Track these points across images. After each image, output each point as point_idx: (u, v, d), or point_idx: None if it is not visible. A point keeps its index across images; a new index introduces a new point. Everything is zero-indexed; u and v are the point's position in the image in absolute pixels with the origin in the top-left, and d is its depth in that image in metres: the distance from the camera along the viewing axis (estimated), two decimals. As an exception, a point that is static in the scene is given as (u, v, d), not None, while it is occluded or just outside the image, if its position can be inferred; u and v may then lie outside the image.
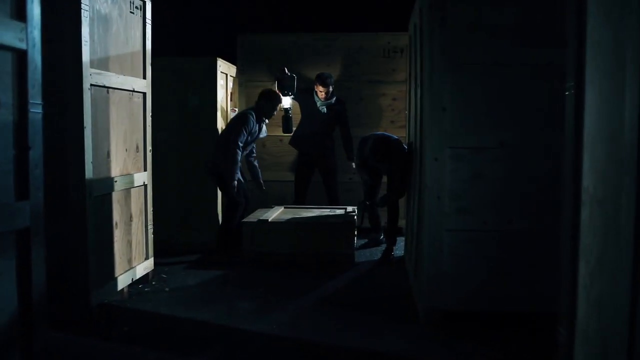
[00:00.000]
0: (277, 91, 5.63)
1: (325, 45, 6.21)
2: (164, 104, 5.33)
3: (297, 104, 5.88)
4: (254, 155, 5.59)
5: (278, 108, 5.29)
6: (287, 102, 5.70)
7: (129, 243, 4.00)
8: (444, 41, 3.29)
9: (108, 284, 3.66)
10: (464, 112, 3.30)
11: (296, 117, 5.88)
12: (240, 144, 4.97)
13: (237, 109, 6.06)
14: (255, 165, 5.61)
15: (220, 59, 5.44)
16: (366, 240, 5.67)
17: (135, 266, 4.06)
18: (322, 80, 5.58)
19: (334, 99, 5.70)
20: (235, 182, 4.96)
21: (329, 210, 5.54)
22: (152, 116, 4.29)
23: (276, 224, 5.04)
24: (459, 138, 3.31)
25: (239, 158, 5.00)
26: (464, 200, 3.33)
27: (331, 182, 5.84)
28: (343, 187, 6.18)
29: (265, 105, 5.20)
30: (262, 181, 5.62)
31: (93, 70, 3.40)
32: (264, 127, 5.30)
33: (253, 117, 5.09)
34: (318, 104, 5.67)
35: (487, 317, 3.41)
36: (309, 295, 4.02)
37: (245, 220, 5.01)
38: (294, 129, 5.85)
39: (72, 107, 3.30)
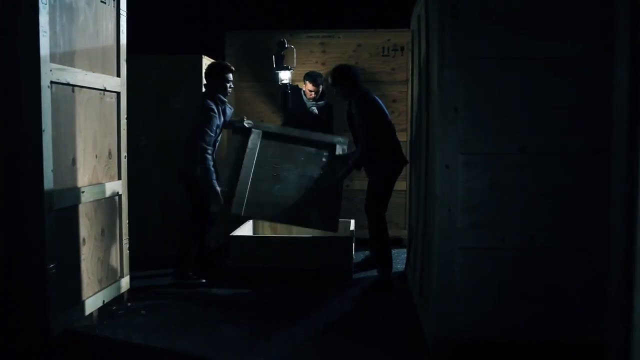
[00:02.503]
0: (274, 66, 5.17)
1: (320, 43, 5.80)
2: (144, 106, 4.94)
3: (297, 73, 5.46)
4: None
5: (231, 78, 4.45)
6: (285, 76, 5.23)
7: (100, 261, 3.56)
8: (456, 32, 2.87)
9: (73, 308, 3.22)
10: (479, 113, 2.89)
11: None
12: (209, 147, 4.26)
13: (232, 109, 5.62)
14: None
15: (205, 57, 5.01)
16: (364, 256, 5.20)
17: (107, 286, 3.62)
18: (312, 78, 5.14)
19: (325, 99, 5.27)
20: (218, 188, 4.31)
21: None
22: (130, 119, 3.86)
23: (267, 238, 4.64)
24: (473, 143, 2.89)
25: (211, 161, 4.27)
26: (478, 213, 2.91)
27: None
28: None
29: (217, 83, 4.40)
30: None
31: (54, 66, 2.97)
32: (228, 107, 4.55)
33: (214, 106, 4.32)
34: (307, 104, 5.23)
35: (506, 348, 2.99)
36: (303, 320, 3.58)
37: (233, 233, 4.58)
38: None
39: (28, 108, 2.86)
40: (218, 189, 4.29)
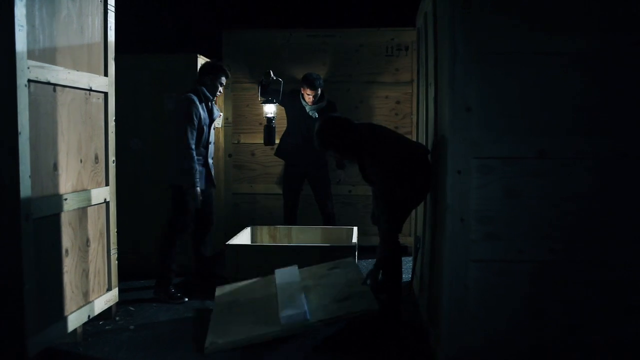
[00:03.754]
0: (259, 97, 4.94)
1: (321, 43, 5.57)
2: (136, 108, 4.72)
3: (282, 109, 5.21)
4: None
5: (223, 82, 4.25)
6: (270, 109, 5.01)
7: (85, 273, 3.32)
8: (468, 26, 2.63)
9: (55, 325, 2.97)
10: (494, 113, 2.65)
11: (281, 123, 5.21)
12: (191, 142, 4.00)
13: (221, 114, 5.40)
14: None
15: (201, 56, 4.78)
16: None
17: (93, 300, 3.38)
18: (310, 82, 4.87)
19: (325, 101, 5.03)
20: (198, 188, 4.02)
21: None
22: (121, 121, 3.64)
23: (266, 247, 4.39)
24: (488, 146, 2.65)
25: (194, 158, 4.01)
26: (494, 223, 2.66)
27: (325, 196, 5.14)
28: (339, 200, 5.53)
29: (209, 82, 4.15)
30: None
31: (33, 63, 2.74)
32: (215, 107, 4.30)
33: (196, 100, 4.05)
34: (307, 108, 4.98)
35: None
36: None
37: (229, 242, 4.33)
38: (279, 140, 5.17)
39: (3, 108, 2.63)
40: (199, 189, 4.03)
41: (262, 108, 5.27)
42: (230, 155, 5.71)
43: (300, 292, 3.37)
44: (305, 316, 3.11)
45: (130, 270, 4.62)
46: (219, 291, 3.85)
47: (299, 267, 4.04)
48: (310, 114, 4.97)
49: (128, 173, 4.65)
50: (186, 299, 4.09)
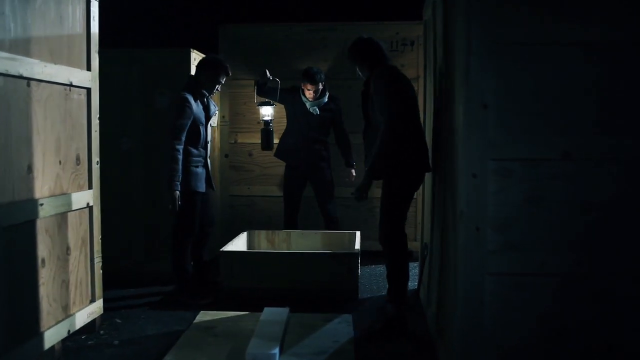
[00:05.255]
0: (256, 98, 4.68)
1: (321, 37, 5.31)
2: (126, 105, 4.47)
3: (281, 107, 4.94)
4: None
5: (222, 81, 4.01)
6: (268, 112, 4.75)
7: (65, 284, 3.06)
8: (485, 14, 2.37)
9: (29, 342, 2.72)
10: (513, 111, 2.38)
11: (280, 122, 4.95)
12: (178, 144, 3.77)
13: (217, 110, 5.13)
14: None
15: (195, 51, 4.51)
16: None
17: (74, 313, 3.12)
18: (311, 77, 4.60)
19: (327, 96, 4.76)
20: (177, 192, 3.76)
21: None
22: (110, 120, 3.39)
23: (262, 254, 4.14)
24: (507, 146, 2.38)
25: (179, 160, 3.76)
26: (513, 232, 2.40)
27: (327, 198, 4.87)
28: (341, 202, 5.26)
29: (207, 78, 3.91)
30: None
31: (2, 54, 2.49)
32: (212, 103, 4.05)
33: (190, 98, 3.80)
34: (307, 105, 4.71)
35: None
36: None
37: (223, 249, 4.07)
38: (278, 140, 4.91)
39: (-33, 104, 2.37)
40: (177, 193, 3.77)
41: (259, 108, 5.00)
42: (226, 156, 5.46)
43: (279, 335, 3.10)
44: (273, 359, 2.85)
45: (121, 278, 4.37)
46: (200, 317, 3.60)
47: (295, 278, 3.81)
48: (312, 111, 4.71)
49: (117, 174, 4.40)
50: (210, 300, 3.93)
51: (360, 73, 3.64)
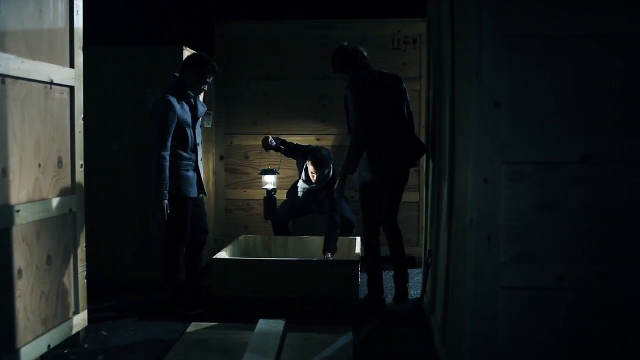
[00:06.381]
0: (259, 165, 4.56)
1: (321, 35, 5.11)
2: (115, 105, 4.28)
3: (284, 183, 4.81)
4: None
5: (209, 80, 3.78)
6: (270, 180, 4.53)
7: (45, 295, 2.86)
8: (497, 4, 2.17)
9: (4, 359, 2.52)
10: (528, 109, 2.18)
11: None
12: (164, 150, 3.56)
13: (211, 113, 4.94)
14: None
15: (188, 49, 4.32)
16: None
17: (55, 326, 2.92)
18: (318, 161, 4.26)
19: (330, 175, 4.40)
20: (165, 201, 3.57)
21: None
22: (100, 120, 3.20)
23: (256, 261, 3.95)
24: (521, 148, 2.18)
25: (166, 168, 3.57)
26: (527, 242, 2.20)
27: (330, 209, 4.61)
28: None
29: (192, 78, 3.69)
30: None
31: (-28, 49, 2.29)
32: (200, 103, 3.84)
33: (172, 101, 3.58)
34: (302, 187, 4.47)
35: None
36: None
37: (216, 256, 3.87)
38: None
39: None
40: (165, 202, 3.58)
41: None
42: (222, 158, 5.26)
43: (274, 349, 2.91)
44: None
45: (109, 287, 4.17)
46: (191, 328, 3.39)
47: (292, 287, 3.62)
48: (299, 190, 4.52)
49: (105, 178, 4.21)
50: (201, 310, 3.76)
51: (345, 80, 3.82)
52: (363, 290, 4.02)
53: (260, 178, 4.72)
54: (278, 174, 4.60)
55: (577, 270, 2.19)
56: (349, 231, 4.57)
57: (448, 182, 2.91)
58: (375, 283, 3.85)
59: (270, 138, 4.47)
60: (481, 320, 2.22)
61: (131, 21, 5.78)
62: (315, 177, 4.38)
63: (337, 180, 3.84)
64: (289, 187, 4.77)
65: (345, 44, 3.83)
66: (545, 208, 2.19)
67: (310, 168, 4.35)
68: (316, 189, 4.44)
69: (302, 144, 4.70)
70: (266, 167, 4.62)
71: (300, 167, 4.57)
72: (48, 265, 2.88)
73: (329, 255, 4.05)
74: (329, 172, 4.41)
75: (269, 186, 4.54)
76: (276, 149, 4.51)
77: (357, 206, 5.02)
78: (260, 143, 4.56)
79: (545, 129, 2.18)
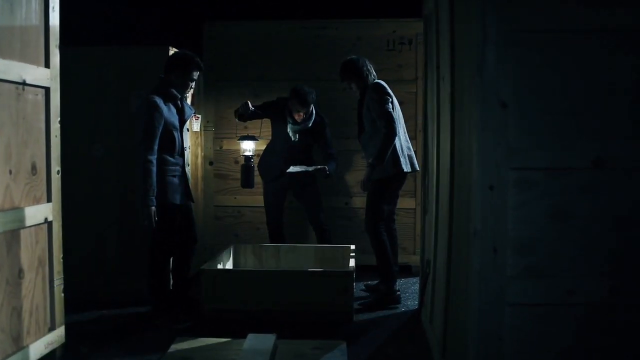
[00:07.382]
0: (237, 131, 4.45)
1: (314, 36, 4.95)
2: (98, 108, 4.09)
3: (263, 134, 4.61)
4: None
5: (195, 77, 3.66)
6: (249, 146, 4.38)
7: (17, 311, 2.66)
8: (502, -3, 2.01)
9: (-30, 382, 2.33)
10: (536, 111, 2.02)
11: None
12: (150, 154, 3.43)
13: (200, 117, 4.76)
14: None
15: (173, 49, 4.13)
16: (366, 290, 4.31)
17: (28, 345, 2.72)
18: (301, 98, 4.17)
19: (312, 120, 4.34)
20: (152, 208, 3.43)
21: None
22: (82, 124, 3.02)
23: (246, 272, 3.78)
24: (529, 153, 2.02)
25: (153, 173, 3.44)
26: (536, 254, 2.03)
27: (317, 211, 4.49)
28: (335, 213, 4.89)
29: (176, 77, 3.59)
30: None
31: None
32: (187, 105, 3.71)
33: (158, 102, 3.48)
34: (288, 127, 4.33)
35: None
36: None
37: (204, 267, 3.68)
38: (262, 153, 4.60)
39: None
40: (153, 209, 3.42)
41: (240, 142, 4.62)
42: (211, 163, 5.08)
43: None
44: None
45: (92, 298, 3.98)
46: (176, 345, 3.20)
47: (283, 299, 3.44)
48: (290, 135, 4.34)
49: (87, 184, 4.02)
50: (187, 324, 3.57)
51: (352, 88, 4.05)
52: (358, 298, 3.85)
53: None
54: (257, 140, 4.43)
55: (590, 284, 2.03)
56: (329, 236, 4.49)
57: (447, 187, 2.74)
58: (392, 277, 3.99)
59: (250, 104, 4.28)
60: (486, 340, 2.05)
61: (118, 23, 5.60)
62: (301, 117, 4.28)
63: (365, 172, 3.93)
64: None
65: (351, 58, 4.06)
66: (555, 217, 2.02)
67: (296, 108, 4.23)
68: (305, 129, 4.35)
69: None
70: (245, 134, 4.43)
71: (278, 122, 4.39)
72: (20, 279, 2.68)
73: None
74: (312, 109, 4.34)
75: (248, 153, 4.38)
76: (253, 114, 4.31)
77: (352, 212, 4.91)
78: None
79: (556, 131, 2.02)
